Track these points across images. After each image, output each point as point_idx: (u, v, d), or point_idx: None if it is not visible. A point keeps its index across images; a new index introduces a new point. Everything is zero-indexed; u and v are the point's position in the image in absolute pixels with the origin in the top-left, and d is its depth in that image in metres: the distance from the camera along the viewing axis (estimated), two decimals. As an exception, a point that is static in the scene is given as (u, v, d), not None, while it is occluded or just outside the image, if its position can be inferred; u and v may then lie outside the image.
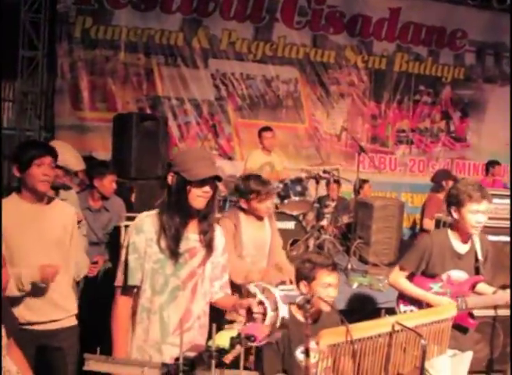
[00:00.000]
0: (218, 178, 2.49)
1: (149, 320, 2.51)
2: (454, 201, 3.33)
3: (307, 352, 1.99)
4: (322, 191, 7.03)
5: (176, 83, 8.33)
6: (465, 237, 3.42)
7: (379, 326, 2.20)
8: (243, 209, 3.95)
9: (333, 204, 6.35)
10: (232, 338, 2.05)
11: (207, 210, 2.52)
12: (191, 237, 2.53)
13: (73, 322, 3.12)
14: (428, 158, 9.67)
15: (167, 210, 2.48)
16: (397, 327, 2.16)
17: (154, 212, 2.53)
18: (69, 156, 4.03)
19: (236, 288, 3.42)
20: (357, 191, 7.16)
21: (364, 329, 2.13)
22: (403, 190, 8.78)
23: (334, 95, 9.16)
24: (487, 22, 9.95)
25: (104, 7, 7.82)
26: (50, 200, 3.06)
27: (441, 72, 9.87)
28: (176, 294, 2.51)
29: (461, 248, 3.43)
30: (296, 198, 5.83)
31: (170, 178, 2.46)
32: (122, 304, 2.54)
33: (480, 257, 3.42)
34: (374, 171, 9.00)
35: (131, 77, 8.13)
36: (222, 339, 2.07)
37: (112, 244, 4.36)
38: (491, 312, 4.71)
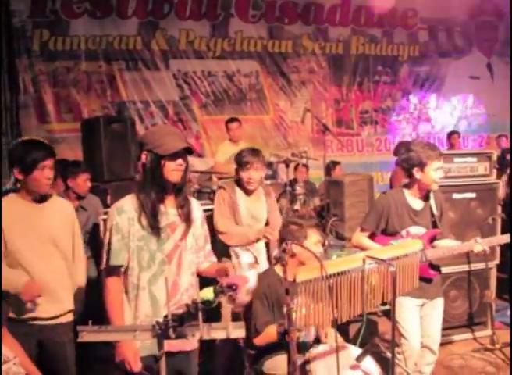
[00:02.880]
0: (189, 150, 2.63)
1: (139, 296, 2.64)
2: (416, 162, 3.53)
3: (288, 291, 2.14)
4: (291, 176, 7.21)
5: (140, 86, 8.42)
6: (422, 195, 3.63)
7: (351, 261, 2.36)
8: (238, 183, 4.14)
9: (303, 186, 6.51)
10: (215, 288, 2.20)
11: (181, 184, 2.66)
12: (170, 211, 2.67)
13: (70, 318, 3.22)
14: (393, 136, 9.93)
15: (143, 188, 2.60)
16: (368, 261, 2.33)
17: (132, 194, 2.67)
18: None
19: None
20: (328, 172, 7.35)
21: (337, 265, 2.29)
22: (373, 169, 8.96)
23: (295, 84, 9.35)
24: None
25: (60, 18, 7.86)
26: (48, 197, 3.11)
27: (397, 51, 10.12)
28: (162, 268, 2.65)
29: (417, 204, 3.64)
30: (268, 182, 5.97)
31: (144, 157, 2.59)
32: (112, 284, 2.65)
33: (435, 212, 3.63)
34: (342, 153, 9.26)
35: (94, 85, 8.19)
36: (207, 292, 2.21)
37: (93, 241, 4.47)
38: (465, 267, 4.95)
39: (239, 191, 4.12)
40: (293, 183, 6.79)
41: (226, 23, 8.92)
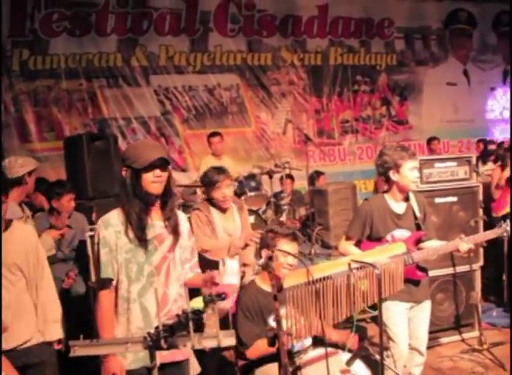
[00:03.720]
0: (165, 161, 2.63)
1: (130, 309, 2.65)
2: (391, 165, 3.59)
3: (275, 298, 2.16)
4: (277, 188, 7.25)
5: (121, 103, 8.44)
6: (402, 197, 3.68)
7: (337, 265, 2.40)
8: (211, 203, 4.16)
9: (288, 197, 6.56)
10: (204, 298, 2.22)
11: (166, 197, 2.69)
12: (156, 224, 2.69)
13: (41, 338, 3.20)
14: (374, 145, 10.04)
15: (127, 202, 2.63)
16: (353, 265, 2.37)
17: (118, 208, 2.69)
18: None
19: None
20: (312, 182, 7.42)
21: (323, 269, 2.33)
22: (355, 177, 9.03)
23: (276, 96, 9.45)
24: (410, 9, 10.47)
25: (39, 37, 7.88)
26: (8, 225, 3.06)
27: (374, 60, 10.30)
28: (151, 280, 2.66)
29: (399, 208, 3.68)
30: (252, 193, 6.01)
31: (124, 173, 2.62)
32: (103, 298, 2.65)
33: (418, 214, 3.68)
34: (325, 163, 9.36)
35: (75, 103, 8.20)
36: (197, 302, 2.24)
37: (80, 258, 4.47)
38: (450, 270, 5.02)
39: (214, 211, 4.15)
40: (278, 194, 6.84)
41: (205, 38, 9.00)
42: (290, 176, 7.56)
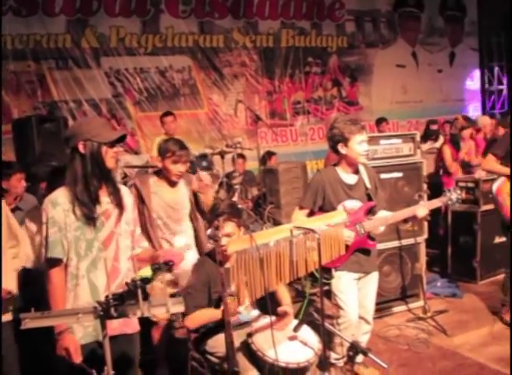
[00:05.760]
0: (124, 137, 2.76)
1: (78, 285, 2.69)
2: (340, 138, 3.70)
3: (221, 263, 2.25)
4: (229, 168, 7.32)
5: (71, 85, 8.30)
6: (353, 169, 3.81)
7: (279, 232, 2.50)
8: (157, 174, 4.09)
9: (240, 177, 6.63)
10: (152, 265, 2.28)
11: (111, 172, 2.75)
12: (103, 200, 2.74)
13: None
14: (325, 125, 10.19)
15: (83, 177, 2.66)
16: (295, 231, 2.47)
17: (64, 187, 2.71)
18: None
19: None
20: (264, 163, 7.52)
21: (266, 236, 2.42)
22: (307, 158, 9.16)
23: (228, 77, 9.46)
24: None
25: (-17, 17, 7.67)
26: None
27: (326, 42, 10.43)
28: (100, 256, 2.71)
29: (350, 179, 3.82)
30: (204, 173, 6.05)
31: (82, 146, 2.65)
32: (54, 277, 2.67)
33: (368, 185, 3.82)
34: (277, 144, 9.49)
35: (24, 85, 8.01)
36: (145, 271, 2.30)
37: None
38: (396, 244, 5.21)
39: (153, 183, 4.04)
40: (230, 174, 6.91)
41: (157, 19, 8.92)
42: (242, 156, 7.64)
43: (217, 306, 2.59)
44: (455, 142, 6.73)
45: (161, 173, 4.07)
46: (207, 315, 3.14)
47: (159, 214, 4.02)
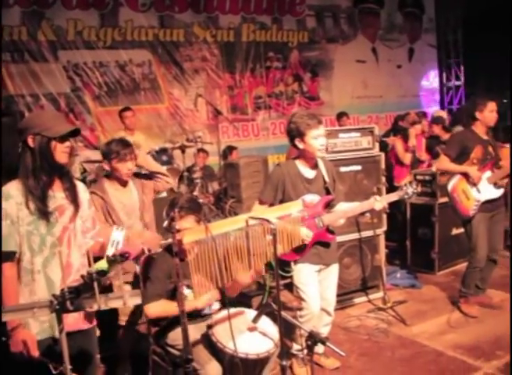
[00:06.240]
0: (77, 132, 2.67)
1: (34, 281, 2.63)
2: (296, 133, 3.72)
3: (177, 254, 2.22)
4: (190, 163, 7.28)
5: (28, 79, 8.09)
6: (311, 164, 3.83)
7: (235, 222, 2.49)
8: (108, 177, 4.00)
9: (200, 171, 6.60)
10: (107, 257, 2.25)
11: (66, 167, 2.70)
12: (57, 195, 2.68)
13: None
14: (287, 120, 10.18)
15: (32, 171, 2.59)
16: (251, 222, 2.47)
17: (17, 180, 2.65)
18: None
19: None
20: (225, 157, 7.52)
21: (221, 226, 2.41)
22: (269, 152, 9.17)
23: (189, 72, 9.37)
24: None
25: None
26: None
27: (286, 37, 10.45)
28: (54, 251, 2.65)
29: (309, 173, 3.84)
30: (164, 167, 5.99)
31: (31, 140, 2.58)
32: (6, 270, 2.60)
33: (327, 179, 3.85)
34: (239, 139, 9.49)
35: (-22, 79, 7.83)
36: (100, 263, 2.27)
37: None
38: (356, 236, 5.28)
39: (109, 187, 3.96)
40: (190, 168, 6.87)
41: (115, 12, 8.77)
42: (204, 151, 7.61)
43: (173, 294, 2.58)
44: (405, 136, 6.85)
45: (112, 176, 3.96)
46: (169, 308, 3.11)
47: (121, 217, 3.94)
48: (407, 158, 6.80)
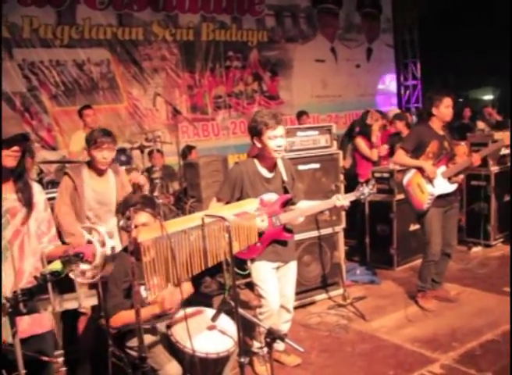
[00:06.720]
0: (25, 137, 2.59)
1: None
2: (254, 132, 3.73)
3: (132, 253, 2.20)
4: (149, 163, 7.20)
5: (-20, 77, 7.93)
6: (270, 163, 3.84)
7: (190, 220, 2.48)
8: (88, 164, 4.08)
9: (160, 171, 6.54)
10: (61, 258, 2.21)
11: (20, 169, 2.62)
12: (9, 197, 2.61)
13: None
14: (247, 120, 10.23)
15: None
16: (207, 219, 2.46)
17: None
18: None
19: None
20: (184, 157, 7.47)
21: (176, 224, 2.40)
22: (229, 152, 9.16)
23: (148, 71, 9.29)
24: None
25: None
26: None
27: (246, 37, 10.48)
28: (5, 255, 2.58)
29: (268, 172, 3.85)
30: (123, 167, 5.91)
31: None
32: None
33: (285, 177, 3.87)
34: (199, 138, 9.46)
35: None
36: (55, 264, 2.23)
37: None
38: (315, 233, 5.32)
39: (86, 174, 4.05)
40: (150, 169, 6.81)
41: (73, 10, 8.61)
42: (160, 151, 7.56)
43: (128, 294, 2.55)
44: (366, 133, 6.93)
45: (91, 164, 4.07)
46: (132, 318, 3.07)
47: (91, 205, 3.99)
48: (374, 155, 6.87)
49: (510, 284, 5.17)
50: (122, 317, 3.14)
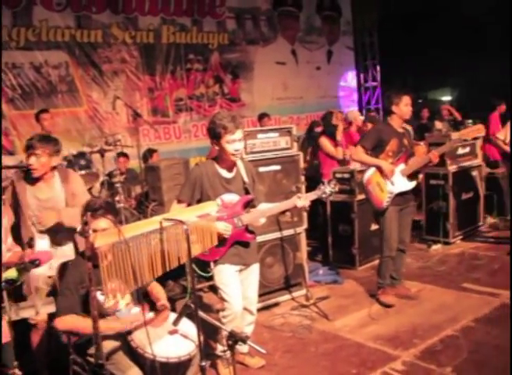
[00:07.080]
0: None
1: None
2: (213, 134, 3.72)
3: (89, 259, 2.17)
4: (111, 167, 7.11)
5: None
6: (229, 164, 3.84)
7: (149, 224, 2.47)
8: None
9: (122, 175, 6.47)
10: (16, 265, 2.17)
11: None
12: None
13: None
14: (208, 122, 10.17)
15: None
16: (165, 223, 2.45)
17: None
18: None
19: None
20: (146, 160, 7.41)
21: (135, 228, 2.38)
22: (192, 155, 9.11)
23: (108, 74, 9.14)
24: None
25: None
26: None
27: (207, 39, 10.44)
28: None
29: (228, 174, 3.85)
30: (83, 172, 5.84)
31: None
32: None
33: (246, 179, 3.87)
34: (160, 141, 9.39)
35: None
36: (10, 272, 2.18)
37: None
38: (278, 235, 5.34)
39: (27, 182, 3.90)
40: (111, 173, 6.72)
41: (29, 11, 8.42)
42: (124, 155, 7.48)
43: (85, 300, 2.50)
44: (331, 133, 6.98)
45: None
46: (80, 324, 3.02)
47: (33, 212, 3.86)
48: (339, 153, 6.91)
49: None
50: (72, 321, 3.04)
